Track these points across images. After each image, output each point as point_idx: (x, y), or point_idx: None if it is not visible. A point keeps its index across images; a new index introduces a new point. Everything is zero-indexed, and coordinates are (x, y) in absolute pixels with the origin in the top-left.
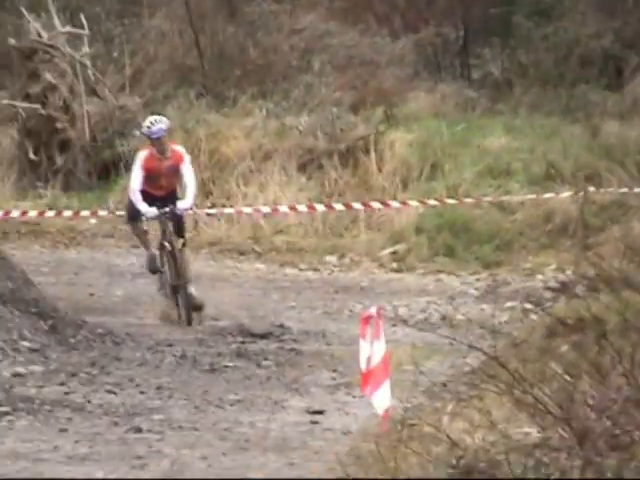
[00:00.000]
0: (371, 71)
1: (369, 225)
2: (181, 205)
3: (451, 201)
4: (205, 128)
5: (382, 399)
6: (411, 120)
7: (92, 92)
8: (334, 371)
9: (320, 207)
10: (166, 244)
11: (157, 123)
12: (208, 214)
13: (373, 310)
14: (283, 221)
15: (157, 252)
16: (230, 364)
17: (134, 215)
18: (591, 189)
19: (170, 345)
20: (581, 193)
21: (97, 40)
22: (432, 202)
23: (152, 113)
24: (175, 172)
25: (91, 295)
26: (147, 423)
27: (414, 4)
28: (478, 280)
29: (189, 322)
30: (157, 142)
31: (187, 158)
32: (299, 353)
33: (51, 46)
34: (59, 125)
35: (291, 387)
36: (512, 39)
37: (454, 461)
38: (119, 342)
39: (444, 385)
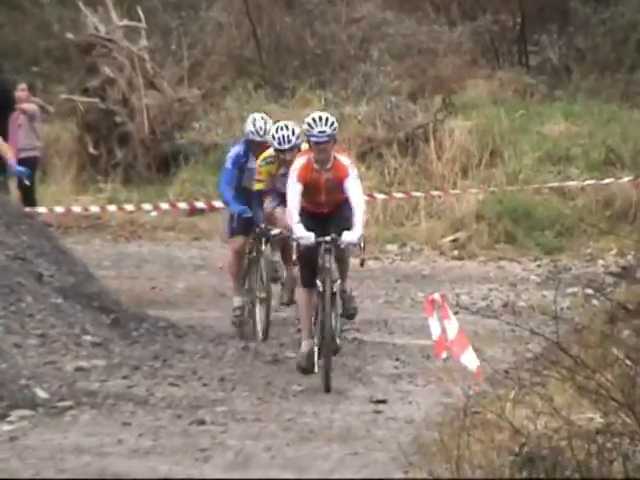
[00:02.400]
0: (429, 59)
1: (429, 213)
2: (346, 237)
3: (511, 188)
4: None
5: (471, 359)
6: (469, 108)
7: (151, 85)
8: (397, 360)
9: (380, 196)
10: (319, 283)
11: (319, 124)
12: None
13: (436, 296)
14: None
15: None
16: (292, 355)
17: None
18: None
19: (232, 337)
20: None
21: (154, 33)
22: (492, 189)
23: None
24: (338, 188)
25: (153, 288)
26: (210, 415)
27: None
28: (539, 266)
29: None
30: (317, 148)
31: (354, 173)
32: (361, 342)
33: (109, 40)
34: (118, 119)
35: (354, 377)
36: (569, 25)
37: (517, 448)
38: (181, 335)
39: (506, 372)
